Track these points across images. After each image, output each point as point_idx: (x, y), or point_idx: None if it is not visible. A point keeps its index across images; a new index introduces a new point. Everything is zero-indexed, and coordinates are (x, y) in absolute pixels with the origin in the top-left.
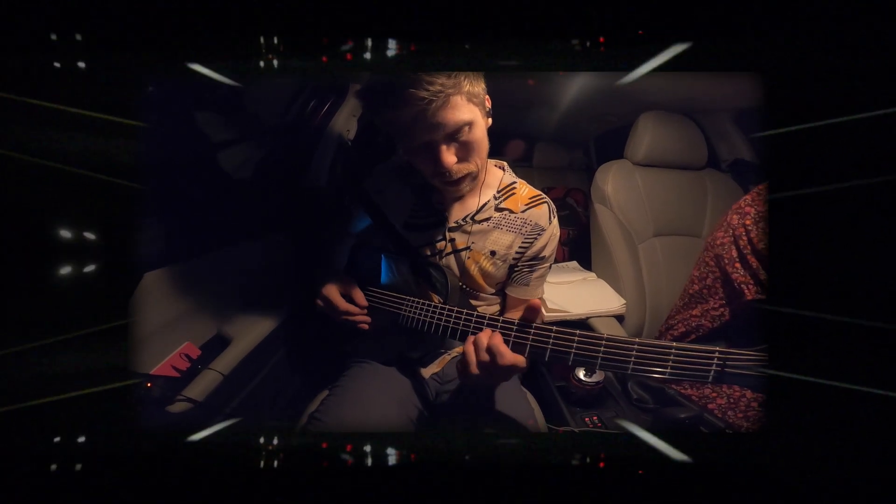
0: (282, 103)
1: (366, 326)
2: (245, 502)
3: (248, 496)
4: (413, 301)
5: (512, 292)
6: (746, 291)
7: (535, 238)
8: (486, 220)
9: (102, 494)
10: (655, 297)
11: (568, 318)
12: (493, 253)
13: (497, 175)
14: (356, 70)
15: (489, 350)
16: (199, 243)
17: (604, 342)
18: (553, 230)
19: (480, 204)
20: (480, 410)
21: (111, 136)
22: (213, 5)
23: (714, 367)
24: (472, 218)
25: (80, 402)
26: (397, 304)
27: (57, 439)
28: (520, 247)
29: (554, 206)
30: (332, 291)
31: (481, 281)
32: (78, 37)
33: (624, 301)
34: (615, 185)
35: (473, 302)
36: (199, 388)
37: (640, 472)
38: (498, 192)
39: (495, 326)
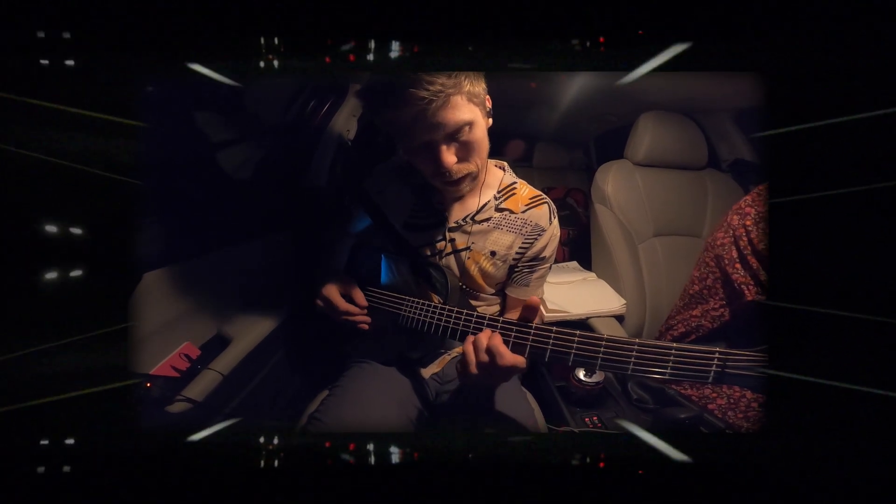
0: (282, 103)
1: (366, 327)
2: (245, 502)
3: (248, 496)
4: (413, 301)
5: (512, 293)
6: (747, 292)
7: (536, 238)
8: (487, 220)
9: (103, 494)
10: (655, 298)
11: (568, 319)
12: (493, 253)
13: (497, 175)
14: (358, 70)
15: (489, 351)
16: (199, 243)
17: (604, 342)
18: (553, 231)
19: (481, 204)
20: (480, 411)
21: (111, 136)
22: (215, 5)
23: (714, 368)
24: (473, 218)
25: (81, 403)
26: (397, 304)
27: (57, 440)
28: (520, 247)
29: (554, 207)
30: (332, 291)
31: (481, 281)
32: (66, 35)
33: (624, 301)
34: (615, 185)
35: (473, 302)
36: (199, 389)
37: (640, 472)
38: (498, 192)
39: (495, 327)
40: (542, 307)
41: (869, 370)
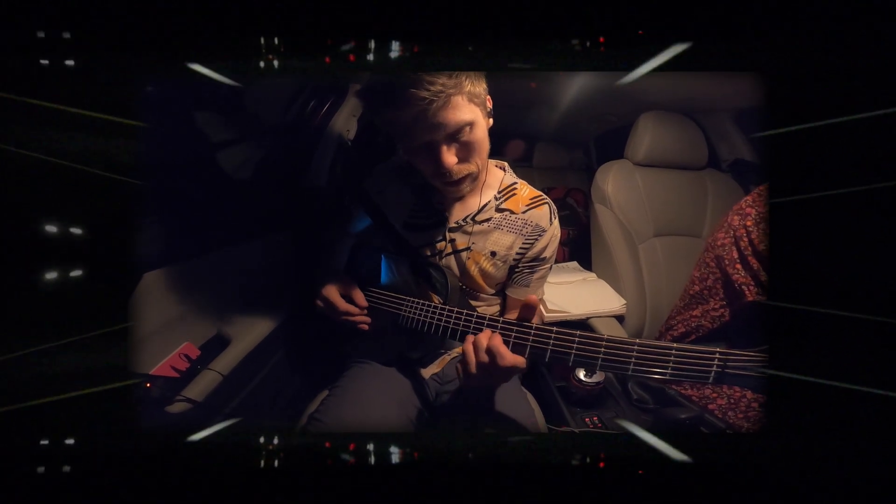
0: (282, 103)
1: (365, 327)
2: (245, 502)
3: (248, 496)
4: (413, 301)
5: (512, 293)
6: (747, 292)
7: (536, 239)
8: (487, 220)
9: (102, 494)
10: (656, 298)
11: (568, 319)
12: (493, 254)
13: (498, 175)
14: (358, 71)
15: (489, 351)
16: (199, 243)
17: (604, 343)
18: (554, 231)
19: (481, 204)
20: (480, 411)
21: (111, 136)
22: (215, 5)
23: (715, 368)
24: (473, 218)
25: (81, 403)
26: (397, 304)
27: (57, 440)
28: (520, 248)
29: (555, 207)
30: (332, 292)
31: (481, 281)
32: (66, 35)
33: (624, 301)
34: (615, 185)
35: (473, 302)
36: (199, 389)
37: (640, 472)
38: (499, 192)
39: (495, 327)
40: (542, 307)
41: (869, 370)
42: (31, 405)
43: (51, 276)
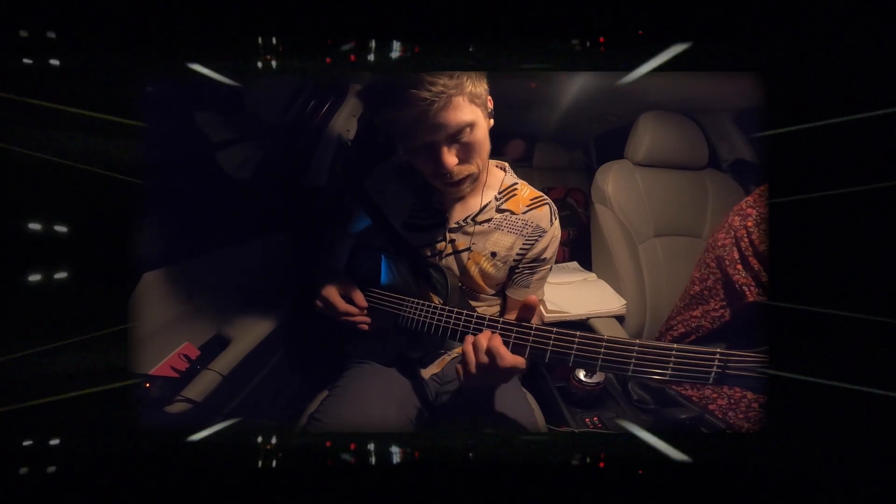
0: (282, 103)
1: (365, 327)
2: (245, 502)
3: (248, 496)
4: (413, 302)
5: (512, 294)
6: (748, 293)
7: (537, 240)
8: (487, 221)
9: (102, 494)
10: (656, 298)
11: (568, 319)
12: (493, 254)
13: (498, 176)
14: (358, 71)
15: (489, 352)
16: (199, 243)
17: (604, 343)
18: (554, 232)
19: (481, 205)
20: (480, 411)
21: (111, 136)
22: (216, 5)
23: (715, 369)
24: (473, 219)
25: (80, 403)
26: (397, 304)
27: (56, 440)
28: (521, 248)
29: (555, 208)
30: (332, 292)
31: (481, 282)
32: (65, 35)
33: (624, 301)
34: (615, 185)
35: (473, 303)
36: (199, 389)
37: (640, 472)
38: (499, 193)
39: (495, 327)
40: (542, 308)
41: (869, 370)
42: (30, 405)
43: (50, 276)
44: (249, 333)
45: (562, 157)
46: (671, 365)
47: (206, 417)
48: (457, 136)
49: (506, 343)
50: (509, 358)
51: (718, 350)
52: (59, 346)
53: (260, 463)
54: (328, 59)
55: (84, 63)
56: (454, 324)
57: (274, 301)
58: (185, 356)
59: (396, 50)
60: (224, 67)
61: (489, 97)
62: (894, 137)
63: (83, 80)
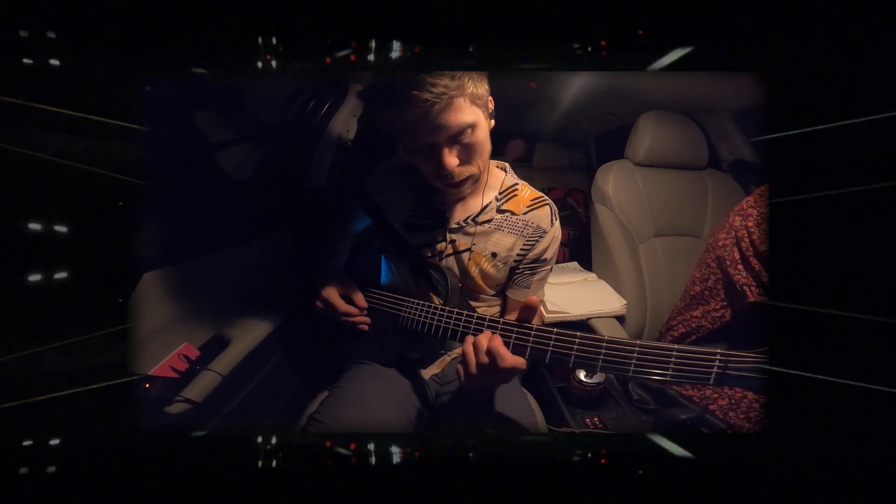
0: (282, 103)
1: (365, 327)
2: (244, 502)
3: (248, 496)
4: (413, 302)
5: (512, 294)
6: (748, 293)
7: (537, 241)
8: (488, 221)
9: (102, 494)
10: (656, 298)
11: (568, 319)
12: (494, 255)
13: (499, 176)
14: (359, 71)
15: (489, 352)
16: (198, 243)
17: (605, 344)
18: (555, 233)
19: (482, 205)
20: (481, 411)
21: (111, 137)
22: (217, 6)
23: (716, 369)
24: (474, 219)
25: (80, 402)
26: (397, 305)
27: (55, 440)
28: (521, 249)
29: (556, 209)
30: (332, 293)
31: (481, 282)
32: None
33: (625, 302)
34: (616, 185)
35: (473, 303)
36: (198, 389)
37: (640, 472)
38: (500, 193)
39: (495, 328)
40: (542, 308)
41: (870, 371)
42: (30, 404)
43: (50, 276)
44: (249, 334)
45: (562, 157)
46: (672, 365)
47: (206, 418)
48: (458, 138)
49: (506, 343)
50: (510, 358)
51: (719, 350)
52: (59, 347)
53: (260, 463)
54: (328, 59)
55: (83, 63)
56: (454, 324)
57: (274, 301)
58: (185, 356)
59: (396, 50)
60: (224, 68)
61: (490, 98)
62: (894, 138)
63: (83, 80)
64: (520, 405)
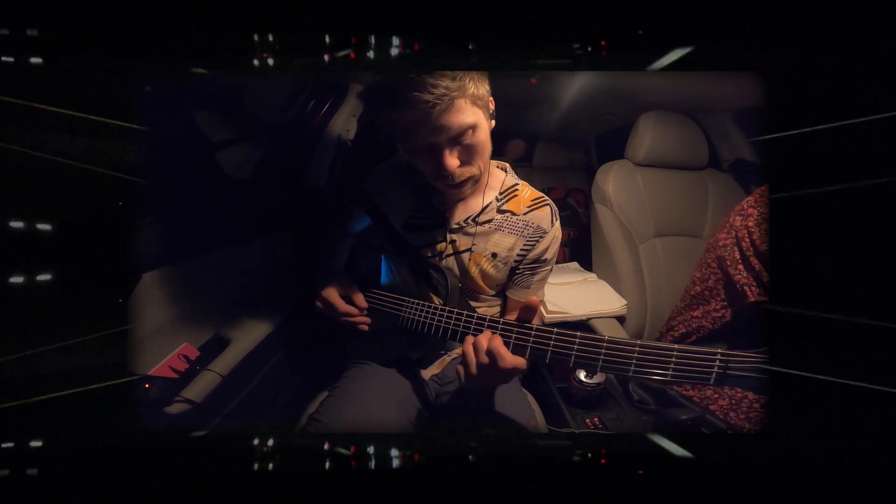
0: (282, 103)
1: (365, 328)
2: (244, 502)
3: (248, 497)
4: (413, 302)
5: (512, 294)
6: (749, 293)
7: (537, 241)
8: (488, 221)
9: (102, 494)
10: (656, 298)
11: (569, 320)
12: (494, 255)
13: (499, 177)
14: (358, 69)
15: (489, 352)
16: (198, 243)
17: (605, 344)
18: (555, 233)
19: (482, 205)
20: (481, 412)
21: (111, 137)
22: (215, 5)
23: (716, 369)
24: (474, 220)
25: (79, 402)
26: (397, 305)
27: (54, 440)
28: (521, 249)
29: (556, 209)
30: (332, 293)
31: (482, 283)
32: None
33: (625, 302)
34: (616, 185)
35: (473, 303)
36: (198, 390)
37: (640, 472)
38: (500, 193)
39: (495, 328)
40: (542, 308)
41: (870, 370)
42: (29, 404)
43: (49, 276)
44: (249, 334)
45: (562, 158)
46: (672, 365)
47: (206, 418)
48: (459, 139)
49: (506, 344)
50: (510, 359)
51: (719, 350)
52: (58, 347)
53: (260, 464)
54: (328, 56)
55: (83, 63)
56: (454, 324)
57: (274, 301)
58: (185, 357)
59: (396, 47)
60: (223, 67)
61: (491, 98)
62: (894, 138)
63: (83, 80)
64: (520, 405)
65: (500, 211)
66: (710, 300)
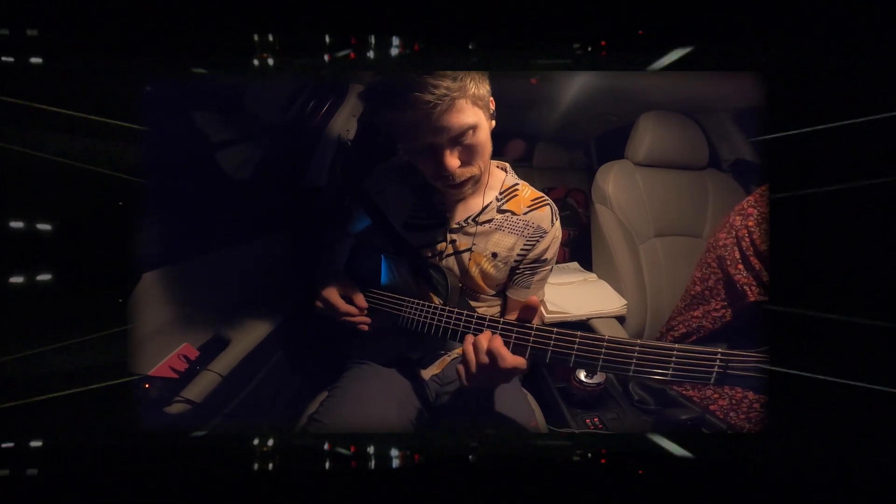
0: (282, 103)
1: (365, 328)
2: (244, 503)
3: (247, 496)
4: (413, 302)
5: (512, 294)
6: (749, 293)
7: (538, 241)
8: (488, 221)
9: (102, 494)
10: (656, 298)
11: (569, 320)
12: (494, 255)
13: (499, 176)
14: (357, 69)
15: (489, 352)
16: (198, 243)
17: (605, 344)
18: (555, 233)
19: (483, 205)
20: (481, 412)
21: (110, 137)
22: (215, 4)
23: (716, 369)
24: (475, 219)
25: (79, 403)
26: (397, 305)
27: (54, 440)
28: (521, 249)
29: (556, 209)
30: (332, 293)
31: (482, 282)
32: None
33: (625, 302)
34: (616, 185)
35: (473, 303)
36: (198, 390)
37: (640, 472)
38: (500, 193)
39: (496, 328)
40: (542, 308)
41: (871, 370)
42: (29, 404)
43: (49, 276)
44: (249, 334)
45: (562, 157)
46: (672, 365)
47: (206, 418)
48: (459, 139)
49: (506, 344)
50: (510, 358)
51: (720, 350)
52: (58, 347)
53: (260, 464)
54: (328, 56)
55: (83, 63)
56: (454, 324)
57: (274, 301)
58: (185, 357)
59: (396, 46)
60: (223, 67)
61: (491, 98)
62: (894, 138)
63: (83, 80)
64: (520, 405)
65: (500, 211)
66: (711, 300)
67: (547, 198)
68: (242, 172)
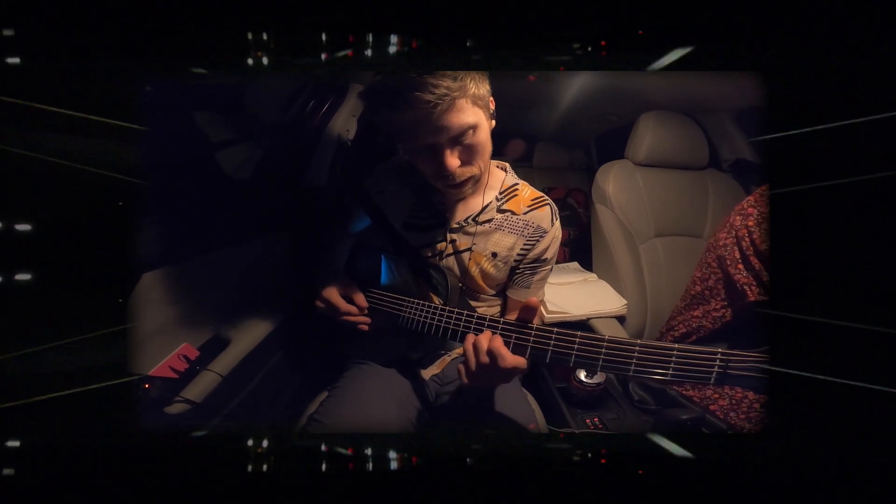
0: (281, 103)
1: (366, 328)
2: (244, 503)
3: (247, 496)
4: (413, 302)
5: (513, 294)
6: (749, 293)
7: (538, 240)
8: (488, 221)
9: (101, 494)
10: (657, 298)
11: (569, 319)
12: (494, 255)
13: (499, 176)
14: (357, 68)
15: (490, 352)
16: (198, 243)
17: (605, 344)
18: (555, 233)
19: (483, 205)
20: (481, 412)
21: (110, 137)
22: (215, 5)
23: (716, 369)
24: (475, 219)
25: (79, 403)
26: (397, 305)
27: (53, 440)
28: (521, 249)
29: (556, 209)
30: (333, 293)
31: (482, 282)
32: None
33: (625, 302)
34: (616, 185)
35: (473, 303)
36: (198, 390)
37: (640, 472)
38: (500, 193)
39: (496, 328)
40: (542, 308)
41: (871, 370)
42: (29, 404)
43: (49, 275)
44: (249, 334)
45: (562, 157)
46: (672, 365)
47: (206, 418)
48: (459, 139)
49: (506, 344)
50: (510, 358)
51: (720, 350)
52: (58, 347)
53: (257, 465)
54: (325, 55)
55: (83, 63)
56: (454, 324)
57: (274, 301)
58: (185, 357)
59: (394, 44)
60: (221, 67)
61: (491, 98)
62: (894, 138)
63: (83, 80)
64: (520, 406)
65: (500, 210)
66: (711, 300)
67: (547, 198)
68: (242, 172)
